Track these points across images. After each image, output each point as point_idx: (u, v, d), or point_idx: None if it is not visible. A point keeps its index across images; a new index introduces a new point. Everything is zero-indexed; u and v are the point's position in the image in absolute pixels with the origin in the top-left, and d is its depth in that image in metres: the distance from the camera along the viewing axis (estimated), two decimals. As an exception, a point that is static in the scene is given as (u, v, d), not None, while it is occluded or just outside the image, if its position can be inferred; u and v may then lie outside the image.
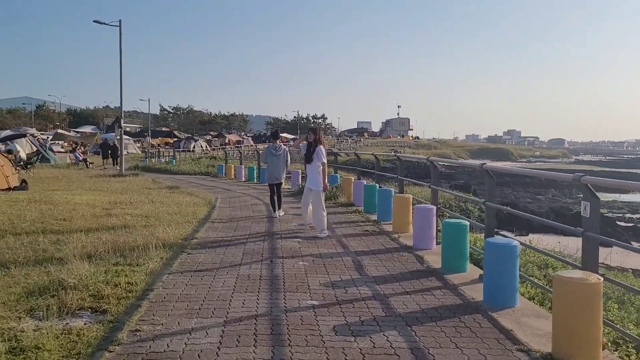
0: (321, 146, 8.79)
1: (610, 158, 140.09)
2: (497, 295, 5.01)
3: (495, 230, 6.01)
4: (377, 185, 11.68)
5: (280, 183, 11.22)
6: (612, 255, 16.39)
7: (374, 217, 10.50)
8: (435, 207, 7.77)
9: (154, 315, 4.57)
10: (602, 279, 3.71)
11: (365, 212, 11.22)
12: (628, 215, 37.77)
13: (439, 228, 8.04)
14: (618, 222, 30.81)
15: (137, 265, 6.28)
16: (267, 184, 11.52)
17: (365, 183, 12.31)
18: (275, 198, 11.06)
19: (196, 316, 4.55)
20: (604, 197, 46.48)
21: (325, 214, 8.79)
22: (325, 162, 8.74)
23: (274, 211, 11.01)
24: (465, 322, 4.49)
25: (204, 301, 4.99)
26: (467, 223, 6.42)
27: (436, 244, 7.71)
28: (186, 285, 5.55)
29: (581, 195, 3.87)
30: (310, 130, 8.99)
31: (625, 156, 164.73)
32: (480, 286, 5.57)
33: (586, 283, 3.66)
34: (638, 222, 32.75)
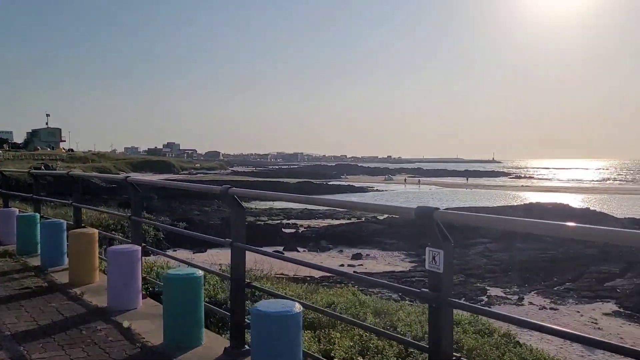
0: None
1: (260, 169, 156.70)
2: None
3: (247, 282, 4.22)
4: (38, 214, 8.45)
5: None
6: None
7: (36, 262, 7.37)
8: (140, 248, 5.49)
9: None
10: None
11: (19, 255, 7.88)
12: (285, 221, 41.63)
13: (144, 275, 5.80)
14: (283, 230, 33.22)
15: None
16: None
17: (18, 212, 8.85)
18: None
19: None
20: (261, 205, 50.52)
21: None
22: None
23: None
24: None
25: None
26: (201, 274, 4.44)
27: (142, 299, 5.47)
28: None
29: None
30: None
31: (270, 167, 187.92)
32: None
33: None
34: (296, 227, 36.18)
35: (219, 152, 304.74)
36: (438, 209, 2.56)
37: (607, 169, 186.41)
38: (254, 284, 4.41)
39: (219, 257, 20.90)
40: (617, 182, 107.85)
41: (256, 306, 3.41)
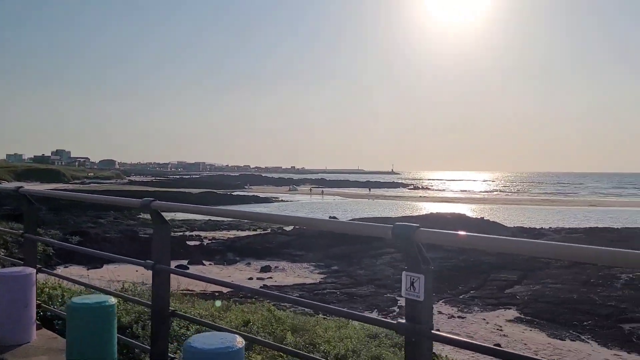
0: None
1: (160, 179, 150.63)
2: None
3: (171, 310, 3.63)
4: None
5: None
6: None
7: None
8: (34, 270, 4.67)
9: None
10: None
11: None
12: (188, 233, 40.07)
13: (38, 302, 4.96)
14: (187, 242, 31.83)
15: None
16: None
17: None
18: None
19: None
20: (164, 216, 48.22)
21: None
22: None
23: None
24: None
25: None
26: (114, 302, 3.78)
27: (37, 330, 4.65)
28: None
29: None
30: None
31: (171, 177, 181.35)
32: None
33: None
34: (200, 239, 34.88)
35: (115, 161, 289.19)
36: (419, 227, 2.23)
37: (493, 181, 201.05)
38: (179, 312, 3.82)
39: (118, 274, 19.42)
40: (504, 193, 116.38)
41: (190, 342, 2.87)
